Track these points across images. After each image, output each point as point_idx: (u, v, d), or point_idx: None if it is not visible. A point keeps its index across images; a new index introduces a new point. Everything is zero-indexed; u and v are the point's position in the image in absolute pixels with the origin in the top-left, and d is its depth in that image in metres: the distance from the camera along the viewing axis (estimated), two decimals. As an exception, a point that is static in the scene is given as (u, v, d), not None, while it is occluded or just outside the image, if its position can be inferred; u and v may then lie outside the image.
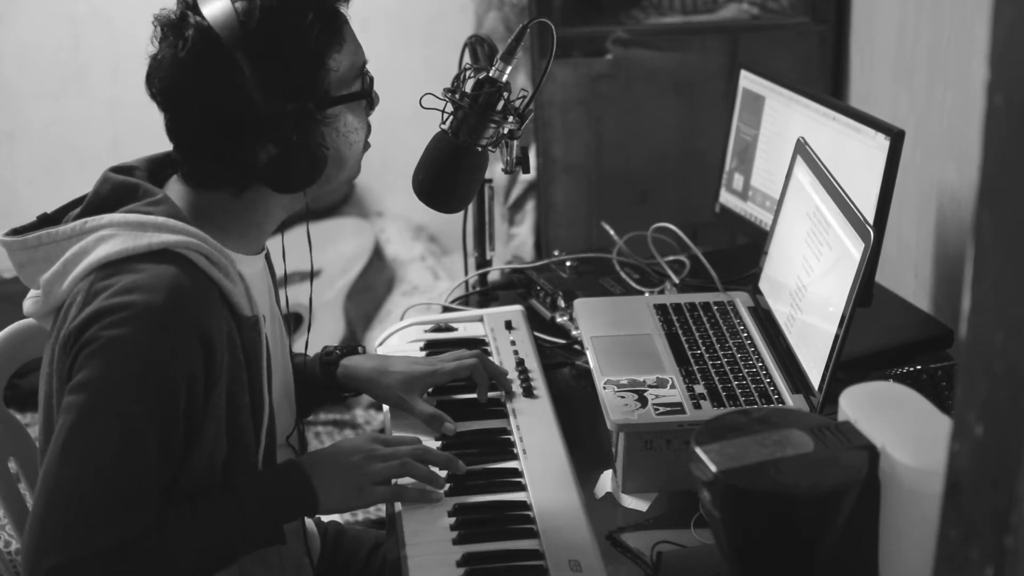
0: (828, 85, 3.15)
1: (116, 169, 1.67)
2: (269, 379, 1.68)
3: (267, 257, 1.81)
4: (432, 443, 1.88)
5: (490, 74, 1.87)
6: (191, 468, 1.57)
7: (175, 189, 1.67)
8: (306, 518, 1.98)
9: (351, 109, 1.67)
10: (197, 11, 1.58)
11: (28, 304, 1.66)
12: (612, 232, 2.48)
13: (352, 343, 2.07)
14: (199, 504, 1.58)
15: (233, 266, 1.62)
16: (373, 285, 3.83)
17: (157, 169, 1.70)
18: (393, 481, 1.75)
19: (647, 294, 2.31)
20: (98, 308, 1.52)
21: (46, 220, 1.65)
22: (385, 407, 2.01)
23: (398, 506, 1.75)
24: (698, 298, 2.17)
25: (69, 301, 1.57)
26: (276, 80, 1.57)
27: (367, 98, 1.68)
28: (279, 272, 1.84)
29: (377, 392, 1.96)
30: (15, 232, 1.64)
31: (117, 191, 1.63)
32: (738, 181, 2.51)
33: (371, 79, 1.70)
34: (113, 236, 1.57)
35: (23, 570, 1.53)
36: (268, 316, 1.74)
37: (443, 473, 1.79)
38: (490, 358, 2.08)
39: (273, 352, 1.72)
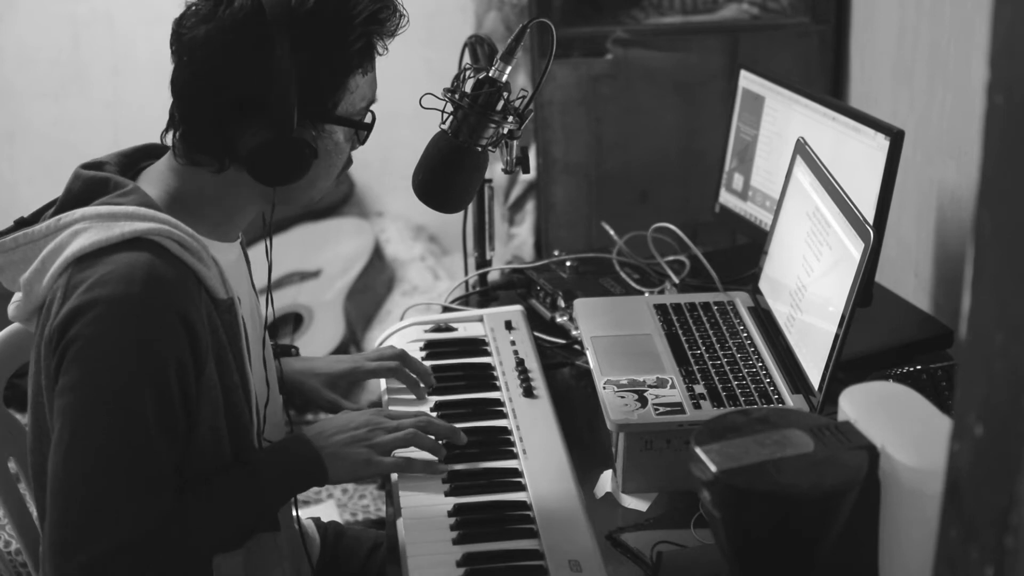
0: (828, 85, 3.14)
1: (86, 165, 1.68)
2: (249, 360, 1.69)
3: (243, 247, 1.81)
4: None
5: (490, 74, 1.87)
6: (195, 453, 1.59)
7: (150, 178, 1.67)
8: (305, 518, 1.98)
9: (344, 135, 1.68)
10: None
11: (11, 308, 1.66)
12: (612, 232, 2.48)
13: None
14: (214, 484, 1.60)
15: (206, 250, 1.62)
16: (373, 285, 3.83)
17: (128, 163, 1.71)
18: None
19: (647, 294, 2.31)
20: (77, 304, 1.52)
21: (23, 223, 1.65)
22: (384, 395, 2.01)
23: (399, 506, 1.75)
24: (698, 298, 2.17)
25: (50, 298, 1.57)
26: (298, 72, 1.58)
27: (361, 130, 1.69)
28: (276, 272, 1.84)
29: (304, 393, 1.97)
30: None
31: (88, 186, 1.64)
32: (738, 181, 2.51)
33: (373, 118, 1.70)
34: (86, 229, 1.58)
35: (48, 573, 1.53)
36: (245, 300, 1.74)
37: (444, 471, 1.79)
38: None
39: (251, 334, 1.72)
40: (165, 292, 1.54)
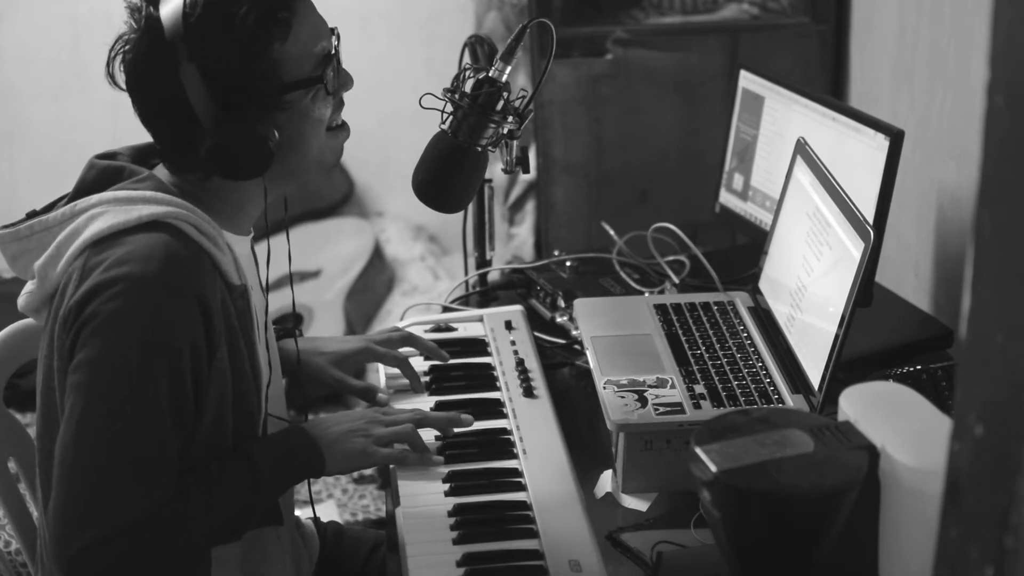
0: (828, 85, 3.14)
1: (100, 156, 1.70)
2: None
3: (252, 245, 1.82)
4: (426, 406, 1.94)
5: (490, 74, 1.87)
6: (200, 437, 1.59)
7: (162, 173, 1.69)
8: (305, 518, 1.98)
9: (311, 93, 1.66)
10: (153, 2, 1.61)
11: (22, 299, 1.67)
12: (612, 232, 2.48)
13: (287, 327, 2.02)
14: (213, 470, 1.60)
15: (221, 236, 1.64)
16: (373, 285, 3.83)
17: (141, 157, 1.73)
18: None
19: (647, 294, 2.31)
20: (95, 283, 1.53)
21: (35, 215, 1.66)
22: (381, 393, 2.01)
23: (397, 495, 1.75)
24: (698, 298, 2.17)
25: (65, 281, 1.58)
26: (216, 72, 1.59)
27: (320, 83, 1.66)
28: (275, 272, 1.85)
29: (309, 372, 1.97)
30: (5, 227, 1.66)
31: (103, 175, 1.66)
32: (738, 181, 2.51)
33: (326, 61, 1.66)
34: (103, 213, 1.59)
35: (51, 554, 1.53)
36: (255, 293, 1.75)
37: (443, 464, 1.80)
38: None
39: (260, 325, 1.73)
40: (183, 273, 1.56)
